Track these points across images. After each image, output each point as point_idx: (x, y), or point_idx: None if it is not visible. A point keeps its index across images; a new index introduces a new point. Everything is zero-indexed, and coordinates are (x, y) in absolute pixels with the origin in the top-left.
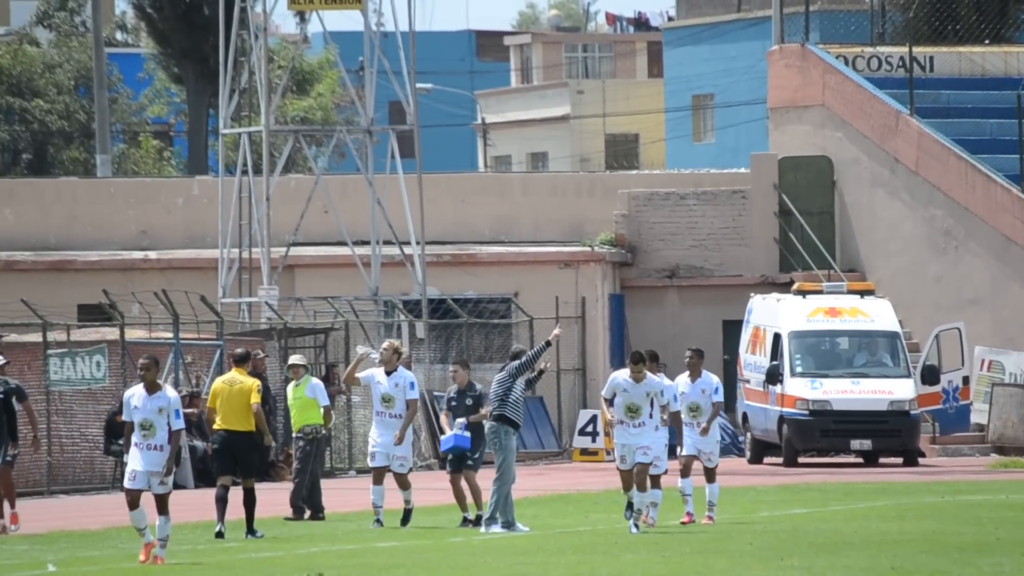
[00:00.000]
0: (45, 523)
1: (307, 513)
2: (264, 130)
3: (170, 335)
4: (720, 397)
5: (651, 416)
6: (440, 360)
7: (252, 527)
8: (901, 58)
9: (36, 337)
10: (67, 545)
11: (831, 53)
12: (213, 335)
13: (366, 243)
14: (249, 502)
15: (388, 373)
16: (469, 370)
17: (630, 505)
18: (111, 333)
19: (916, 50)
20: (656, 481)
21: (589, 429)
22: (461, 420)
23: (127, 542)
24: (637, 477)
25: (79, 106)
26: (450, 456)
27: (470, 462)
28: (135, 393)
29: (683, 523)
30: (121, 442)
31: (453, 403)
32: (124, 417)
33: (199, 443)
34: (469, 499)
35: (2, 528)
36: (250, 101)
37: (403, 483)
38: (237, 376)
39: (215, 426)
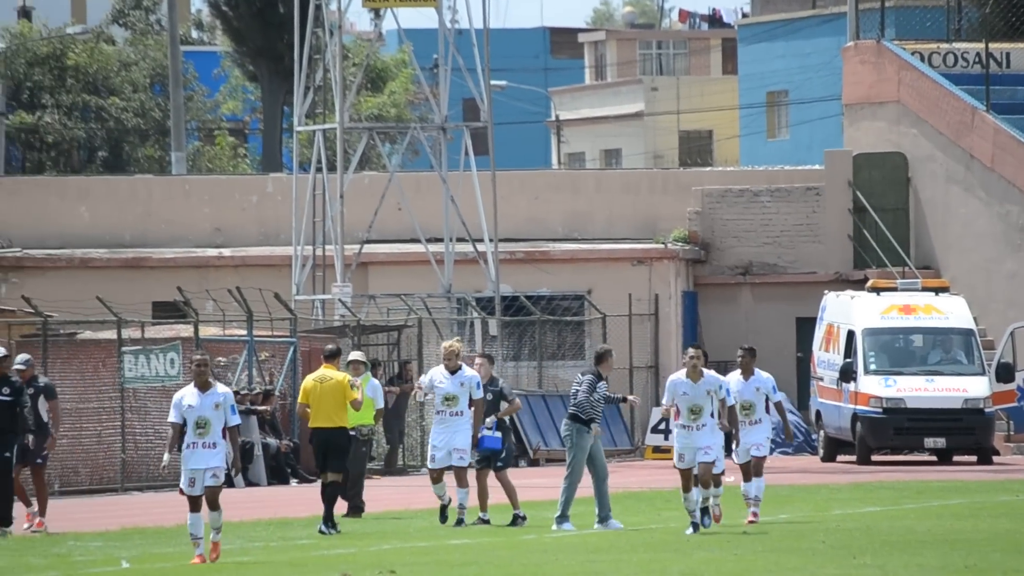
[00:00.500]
0: (119, 520)
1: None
2: (338, 127)
3: (244, 332)
4: (779, 396)
5: (712, 415)
6: (513, 357)
7: (327, 520)
8: (977, 54)
9: (111, 334)
10: (141, 542)
11: (907, 49)
12: (287, 332)
13: (439, 240)
14: (331, 496)
15: (452, 372)
16: (493, 364)
17: (705, 511)
18: (185, 330)
19: (992, 46)
20: (717, 479)
21: (662, 427)
22: (491, 419)
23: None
24: (703, 476)
25: (154, 104)
26: (479, 455)
27: (500, 463)
28: (186, 393)
29: (748, 523)
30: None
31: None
32: (174, 419)
33: (272, 440)
34: (492, 500)
35: (37, 524)
36: (324, 98)
37: (462, 479)
38: (327, 372)
39: (310, 424)
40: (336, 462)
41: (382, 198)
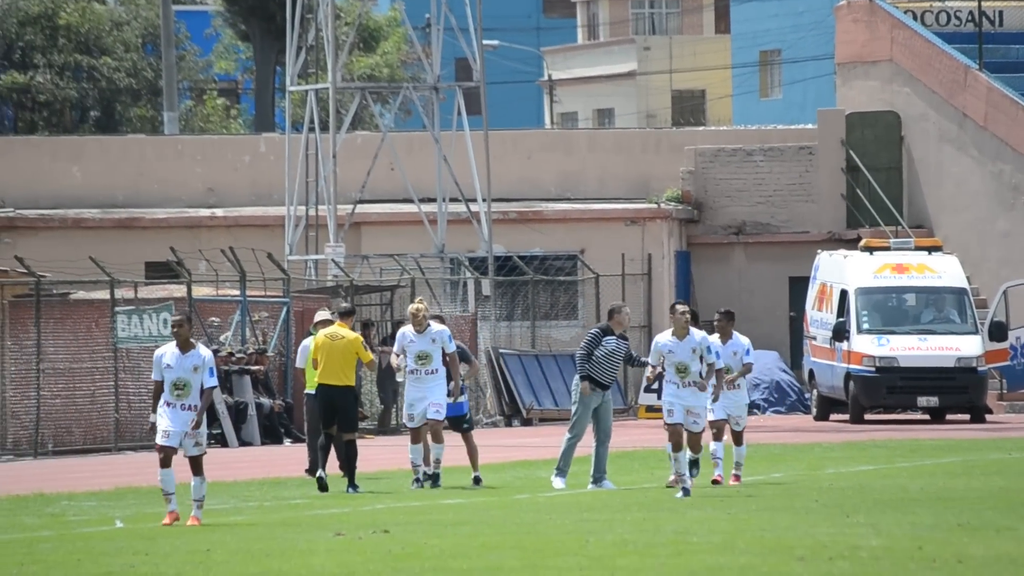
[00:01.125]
0: (112, 479)
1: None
2: (331, 87)
3: (237, 292)
4: (751, 358)
5: (701, 375)
6: (506, 317)
7: (353, 481)
8: (970, 12)
9: (104, 294)
10: (134, 501)
11: (899, 8)
12: (280, 292)
13: (432, 200)
14: (351, 455)
15: (420, 332)
16: (444, 325)
17: (695, 463)
18: (178, 290)
19: (985, 4)
20: (697, 439)
21: (655, 386)
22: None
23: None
24: (691, 443)
25: (146, 64)
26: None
27: (465, 424)
28: (167, 351)
29: (713, 482)
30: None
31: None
32: (155, 376)
33: (266, 400)
34: (456, 461)
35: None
36: (317, 58)
37: (437, 434)
38: (340, 330)
39: (319, 380)
40: (349, 421)
41: (375, 158)
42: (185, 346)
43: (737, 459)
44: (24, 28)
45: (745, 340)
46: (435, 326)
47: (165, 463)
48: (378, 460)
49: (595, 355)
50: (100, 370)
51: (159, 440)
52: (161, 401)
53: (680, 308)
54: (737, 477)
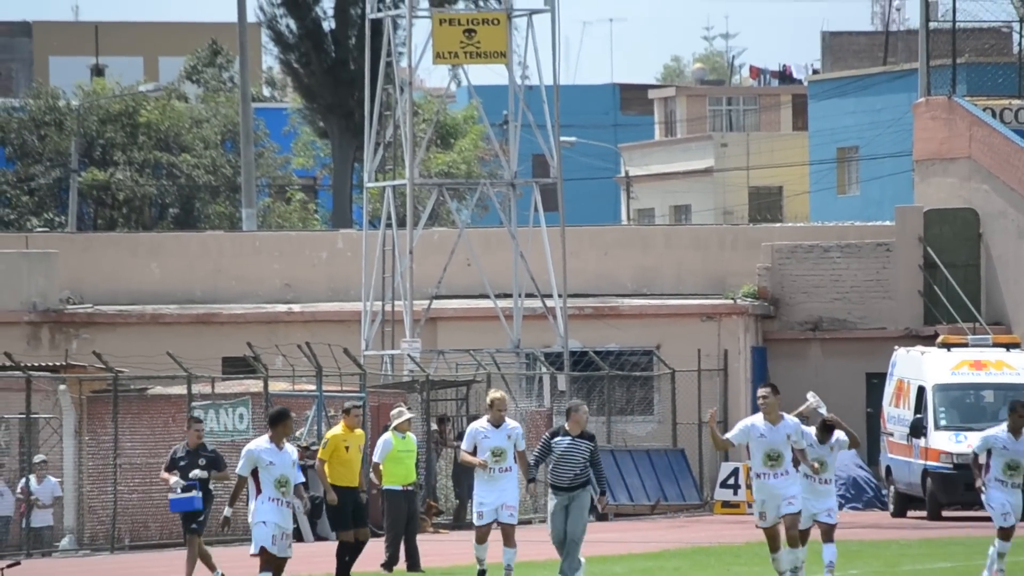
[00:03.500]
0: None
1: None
2: (408, 183)
3: (313, 387)
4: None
5: (793, 462)
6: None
7: None
8: None
9: (181, 389)
10: None
11: (978, 105)
12: (356, 388)
13: (508, 296)
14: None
15: (497, 425)
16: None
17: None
18: (255, 386)
19: None
20: (805, 536)
21: (731, 482)
22: (195, 474)
23: None
24: (789, 532)
25: (225, 160)
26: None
27: (195, 525)
28: (263, 447)
29: None
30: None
31: (183, 462)
32: (244, 471)
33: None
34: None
35: None
36: (395, 155)
37: (509, 538)
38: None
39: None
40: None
41: (451, 254)
42: (281, 443)
43: (830, 558)
44: (104, 126)
45: (807, 429)
46: (510, 422)
47: (277, 571)
48: (453, 555)
49: (549, 459)
50: None
51: (269, 545)
52: (262, 498)
53: (763, 391)
54: None
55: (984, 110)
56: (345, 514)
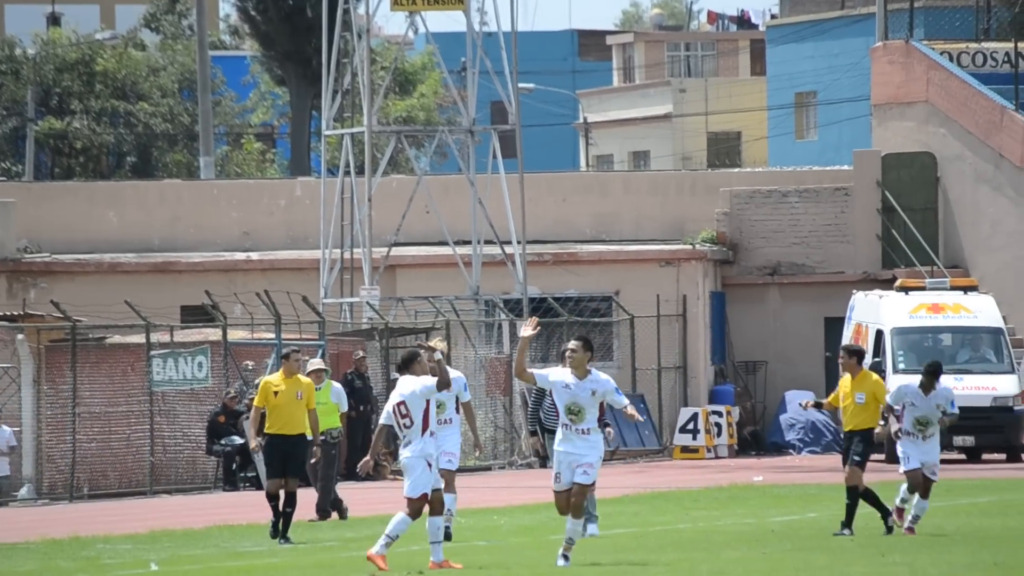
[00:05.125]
0: (148, 523)
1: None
2: (366, 131)
3: (272, 336)
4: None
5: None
6: (541, 359)
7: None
8: (1006, 53)
9: (139, 338)
10: (169, 544)
11: (935, 49)
12: (315, 335)
13: (467, 243)
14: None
15: None
16: None
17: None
18: (213, 334)
19: (1021, 45)
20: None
21: (690, 427)
22: None
23: (229, 540)
24: (575, 500)
25: (183, 109)
26: None
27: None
28: (428, 384)
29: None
30: (223, 442)
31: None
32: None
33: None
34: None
35: None
36: (352, 102)
37: (450, 484)
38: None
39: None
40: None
41: (410, 201)
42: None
43: (916, 512)
44: (61, 74)
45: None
46: (452, 372)
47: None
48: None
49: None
50: (135, 414)
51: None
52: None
53: (572, 344)
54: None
55: (941, 54)
56: (274, 463)
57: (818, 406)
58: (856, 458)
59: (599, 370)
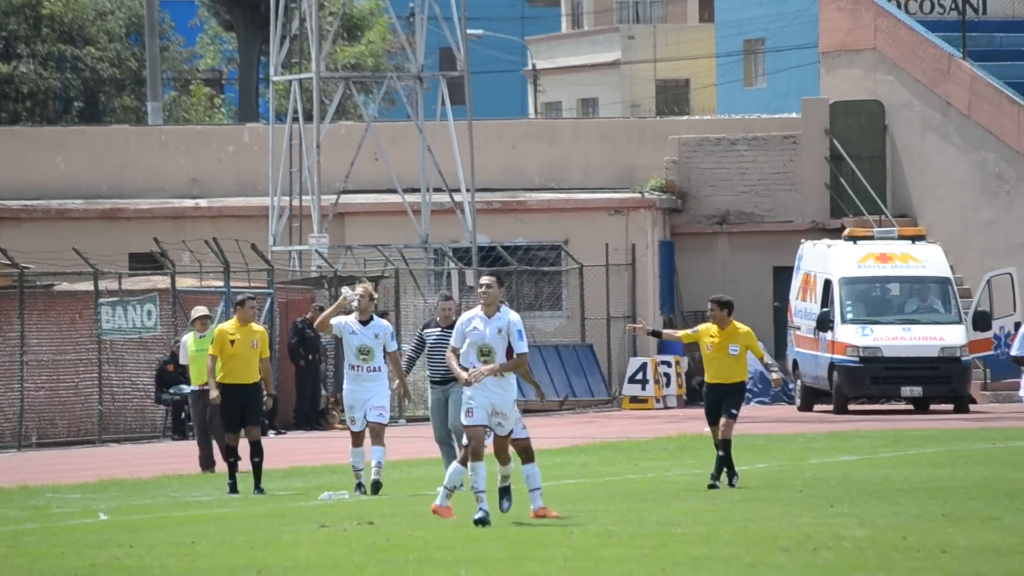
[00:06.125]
0: (96, 472)
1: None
2: (315, 77)
3: (221, 283)
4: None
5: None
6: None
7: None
8: (954, 0)
9: (87, 286)
10: (118, 494)
11: None
12: (264, 283)
13: (416, 190)
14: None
15: (364, 323)
16: None
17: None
18: (162, 282)
19: None
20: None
21: (639, 377)
22: None
23: (178, 490)
24: (500, 448)
25: (130, 54)
26: None
27: None
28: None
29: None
30: (172, 391)
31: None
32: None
33: None
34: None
35: None
36: (300, 48)
37: (379, 436)
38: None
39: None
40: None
41: (359, 148)
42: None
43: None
44: (7, 18)
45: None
46: (380, 321)
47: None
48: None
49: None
50: (84, 362)
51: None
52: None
53: (485, 280)
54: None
55: (889, 1)
56: (231, 415)
57: (656, 334)
58: (733, 411)
59: (549, 319)
